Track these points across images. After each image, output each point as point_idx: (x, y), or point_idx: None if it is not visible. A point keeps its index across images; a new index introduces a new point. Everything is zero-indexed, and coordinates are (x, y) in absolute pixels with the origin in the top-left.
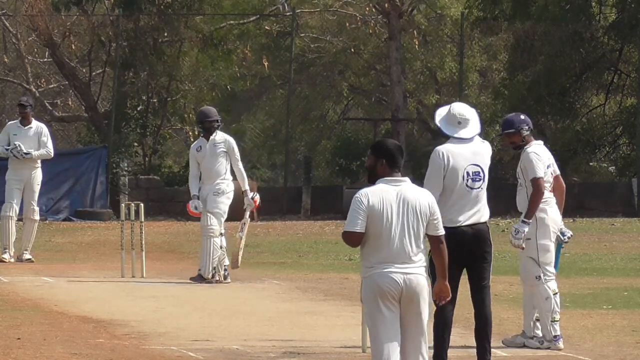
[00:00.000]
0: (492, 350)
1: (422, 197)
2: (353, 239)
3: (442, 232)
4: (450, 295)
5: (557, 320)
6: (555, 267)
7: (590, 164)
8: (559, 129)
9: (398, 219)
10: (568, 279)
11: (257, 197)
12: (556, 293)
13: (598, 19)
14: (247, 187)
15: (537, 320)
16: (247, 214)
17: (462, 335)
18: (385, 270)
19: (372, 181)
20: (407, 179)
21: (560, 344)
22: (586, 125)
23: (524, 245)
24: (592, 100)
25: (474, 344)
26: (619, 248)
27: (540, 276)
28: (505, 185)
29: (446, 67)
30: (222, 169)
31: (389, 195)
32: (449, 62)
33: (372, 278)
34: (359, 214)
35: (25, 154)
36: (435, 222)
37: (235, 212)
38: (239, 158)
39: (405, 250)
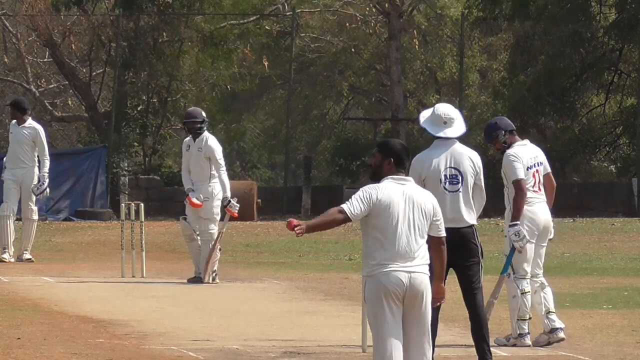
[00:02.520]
0: (492, 349)
1: (427, 198)
2: (340, 220)
3: (443, 233)
4: (446, 297)
5: (525, 319)
6: (504, 270)
7: (591, 163)
8: (559, 129)
9: (405, 217)
10: (568, 279)
11: (235, 209)
12: (525, 293)
13: (598, 19)
14: (228, 194)
15: (548, 312)
16: (224, 221)
17: (462, 335)
18: (390, 269)
19: (375, 180)
20: (411, 179)
21: (527, 341)
22: (586, 125)
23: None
24: (592, 100)
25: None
26: (619, 248)
27: (509, 273)
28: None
29: (446, 67)
30: (207, 173)
31: (397, 193)
32: (449, 62)
33: (377, 277)
34: (363, 203)
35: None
36: (438, 223)
37: (239, 212)
38: (221, 164)
39: (411, 248)
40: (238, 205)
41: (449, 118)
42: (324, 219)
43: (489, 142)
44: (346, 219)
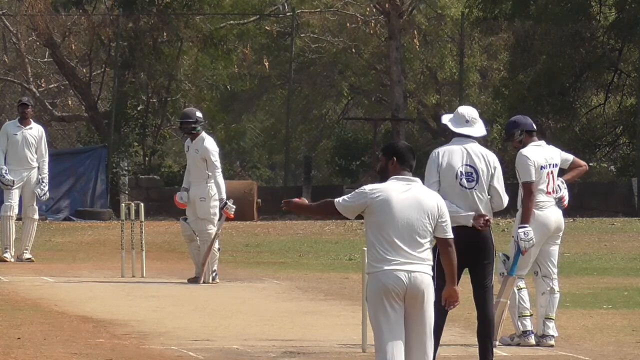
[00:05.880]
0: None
1: (431, 198)
2: (331, 208)
3: (450, 235)
4: (459, 301)
5: (526, 316)
6: (511, 271)
7: (590, 164)
8: (559, 128)
9: (405, 216)
10: (568, 279)
11: (231, 211)
12: (521, 289)
13: (598, 18)
14: (224, 196)
15: (547, 318)
16: (220, 222)
17: (462, 334)
18: (391, 267)
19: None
20: (418, 179)
21: (532, 340)
22: (586, 125)
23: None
24: (592, 100)
25: (475, 343)
26: (619, 248)
27: (504, 273)
28: (505, 185)
29: (446, 67)
30: (204, 174)
31: (399, 191)
32: (449, 62)
33: (377, 276)
34: (353, 197)
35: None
36: (444, 224)
37: (239, 212)
38: (217, 166)
39: (412, 247)
40: (234, 206)
41: (472, 118)
42: (319, 203)
43: (506, 139)
44: (335, 210)
